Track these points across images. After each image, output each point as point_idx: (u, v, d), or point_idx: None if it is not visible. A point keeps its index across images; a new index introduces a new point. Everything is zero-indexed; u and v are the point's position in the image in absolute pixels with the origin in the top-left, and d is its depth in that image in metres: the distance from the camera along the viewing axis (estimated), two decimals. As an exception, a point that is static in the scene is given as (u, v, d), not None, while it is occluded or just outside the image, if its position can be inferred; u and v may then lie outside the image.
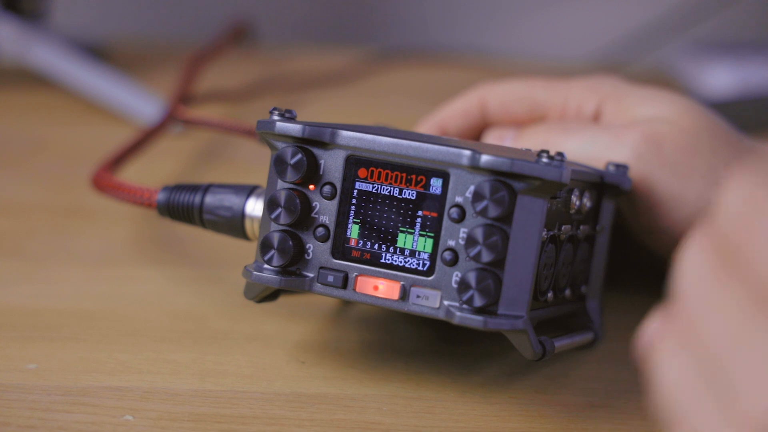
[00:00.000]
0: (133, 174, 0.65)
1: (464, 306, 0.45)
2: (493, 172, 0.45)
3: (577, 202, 0.49)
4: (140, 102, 0.84)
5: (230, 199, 0.51)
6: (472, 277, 0.45)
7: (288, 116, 0.48)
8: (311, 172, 0.47)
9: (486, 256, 0.45)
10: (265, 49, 1.08)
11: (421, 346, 0.53)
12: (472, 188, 0.45)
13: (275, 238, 0.47)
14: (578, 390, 0.50)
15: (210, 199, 0.52)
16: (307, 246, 0.48)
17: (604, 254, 0.53)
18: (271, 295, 0.49)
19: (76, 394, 0.47)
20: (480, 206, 0.45)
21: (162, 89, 0.87)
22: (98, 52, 0.95)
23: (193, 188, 0.53)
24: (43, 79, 0.88)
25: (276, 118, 0.48)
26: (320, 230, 0.47)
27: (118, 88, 0.85)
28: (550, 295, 0.49)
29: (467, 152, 0.45)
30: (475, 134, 0.60)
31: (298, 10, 1.19)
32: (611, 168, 0.52)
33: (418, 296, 0.46)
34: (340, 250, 0.47)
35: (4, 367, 0.49)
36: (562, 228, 0.49)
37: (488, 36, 1.16)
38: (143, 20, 1.17)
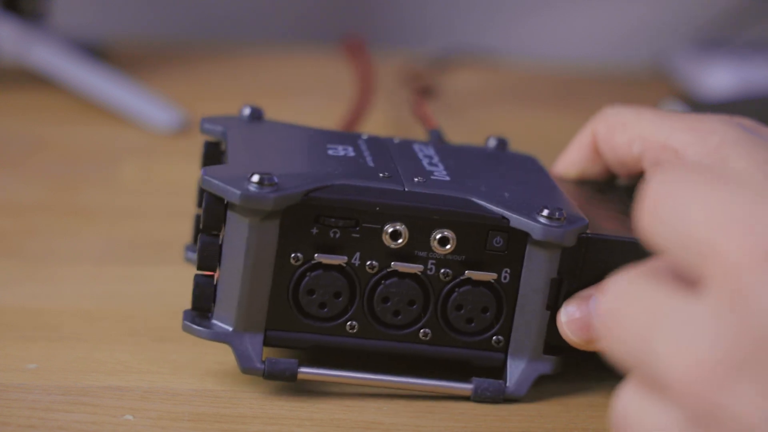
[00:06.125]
0: (133, 174, 0.65)
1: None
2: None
3: (434, 243, 0.46)
4: (141, 102, 0.84)
5: None
6: (194, 282, 0.47)
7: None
8: None
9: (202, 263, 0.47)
10: (265, 48, 1.08)
11: (421, 346, 0.53)
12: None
13: None
14: (578, 390, 0.50)
15: None
16: None
17: (531, 310, 0.47)
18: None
19: (76, 394, 0.47)
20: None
21: (162, 89, 0.87)
22: (98, 52, 0.95)
23: None
24: (43, 79, 0.88)
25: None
26: None
27: (118, 88, 0.85)
28: (350, 324, 0.47)
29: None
30: (594, 166, 0.55)
31: (298, 10, 1.19)
32: (543, 215, 0.46)
33: None
34: None
35: (4, 367, 0.49)
36: (371, 262, 0.46)
37: (488, 36, 1.16)
38: (143, 20, 1.17)
